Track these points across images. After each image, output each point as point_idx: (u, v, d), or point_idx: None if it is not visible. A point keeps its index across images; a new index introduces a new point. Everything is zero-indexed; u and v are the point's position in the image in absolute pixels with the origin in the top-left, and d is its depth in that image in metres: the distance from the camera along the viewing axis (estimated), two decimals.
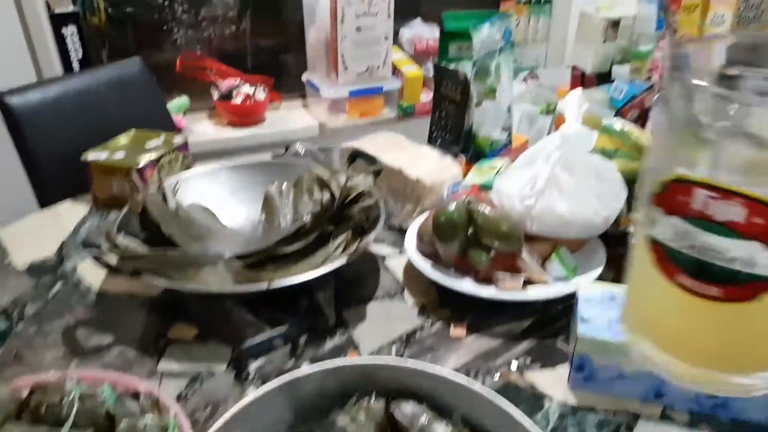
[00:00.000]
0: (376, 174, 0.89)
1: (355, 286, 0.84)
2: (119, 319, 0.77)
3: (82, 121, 1.26)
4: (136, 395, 0.57)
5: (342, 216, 0.83)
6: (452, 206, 0.78)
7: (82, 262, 0.89)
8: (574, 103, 1.06)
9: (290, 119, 1.92)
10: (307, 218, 0.81)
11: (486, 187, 0.91)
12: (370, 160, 0.93)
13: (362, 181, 0.85)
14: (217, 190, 0.97)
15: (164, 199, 0.86)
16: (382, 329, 0.75)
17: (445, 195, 0.92)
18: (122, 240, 0.73)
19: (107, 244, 0.71)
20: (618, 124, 0.94)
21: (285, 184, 0.96)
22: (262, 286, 0.69)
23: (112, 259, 0.70)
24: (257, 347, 0.68)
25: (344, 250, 0.78)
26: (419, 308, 0.79)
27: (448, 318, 0.77)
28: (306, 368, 0.56)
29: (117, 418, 0.53)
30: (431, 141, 1.12)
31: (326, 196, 0.82)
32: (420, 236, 0.84)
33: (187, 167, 1.13)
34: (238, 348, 0.68)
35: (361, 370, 0.57)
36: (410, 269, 0.87)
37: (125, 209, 0.82)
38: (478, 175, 0.98)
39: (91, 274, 0.86)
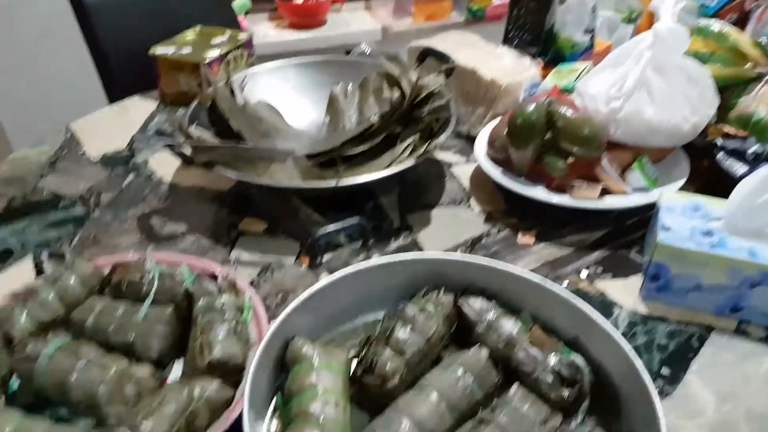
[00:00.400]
0: (448, 73, 0.85)
1: (421, 191, 0.83)
2: (191, 211, 0.79)
3: (149, 17, 1.25)
4: (213, 277, 0.59)
5: (410, 117, 0.80)
6: (531, 107, 0.74)
7: (154, 155, 0.91)
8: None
9: (352, 21, 1.85)
10: (374, 118, 0.78)
11: (566, 91, 0.85)
12: (442, 58, 0.88)
13: (433, 80, 0.81)
14: (282, 87, 0.95)
15: (232, 94, 0.86)
16: (446, 234, 0.75)
17: (521, 98, 0.88)
18: (195, 131, 0.73)
19: (180, 135, 0.72)
20: (715, 25, 0.85)
21: (351, 85, 0.94)
22: (330, 183, 0.68)
23: (186, 149, 0.71)
24: (327, 236, 0.69)
25: (411, 152, 0.76)
26: (486, 216, 0.78)
27: (515, 226, 0.75)
28: (375, 260, 0.56)
29: (195, 296, 0.56)
30: (507, 41, 1.06)
31: (396, 94, 0.80)
32: (491, 141, 0.81)
33: (251, 65, 1.12)
34: (309, 239, 0.69)
35: (431, 265, 0.57)
36: (477, 176, 0.84)
37: (194, 103, 0.82)
38: (557, 78, 0.92)
39: (162, 166, 0.88)
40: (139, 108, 1.05)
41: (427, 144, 0.75)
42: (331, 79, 0.95)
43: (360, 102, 0.92)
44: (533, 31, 1.00)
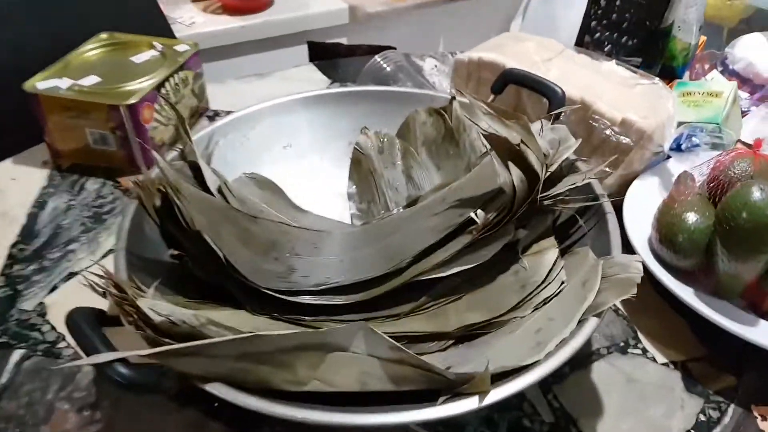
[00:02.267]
0: (556, 117, 0.51)
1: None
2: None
3: (20, 20, 0.79)
4: None
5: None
6: (759, 192, 0.42)
7: (53, 293, 0.51)
8: None
9: (309, 1, 1.42)
10: (477, 216, 0.42)
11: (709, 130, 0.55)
12: (543, 89, 0.53)
13: (560, 135, 0.47)
14: (268, 143, 0.57)
15: (195, 174, 0.47)
16: (631, 424, 0.42)
17: (665, 148, 0.55)
18: (149, 301, 0.34)
19: (125, 314, 0.32)
20: None
21: (384, 133, 0.57)
22: (468, 403, 0.32)
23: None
24: None
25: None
26: (682, 373, 0.46)
27: (727, 390, 0.44)
28: None
29: None
30: (584, 43, 0.72)
31: (513, 174, 0.43)
32: (663, 234, 0.48)
33: (200, 99, 0.71)
34: None
35: None
36: (642, 295, 0.50)
37: (130, 211, 0.42)
38: (692, 108, 0.60)
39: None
40: (16, 183, 0.62)
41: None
42: (350, 123, 0.58)
43: (406, 159, 0.56)
44: (640, 31, 0.67)
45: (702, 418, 0.42)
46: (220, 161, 0.52)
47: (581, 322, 0.35)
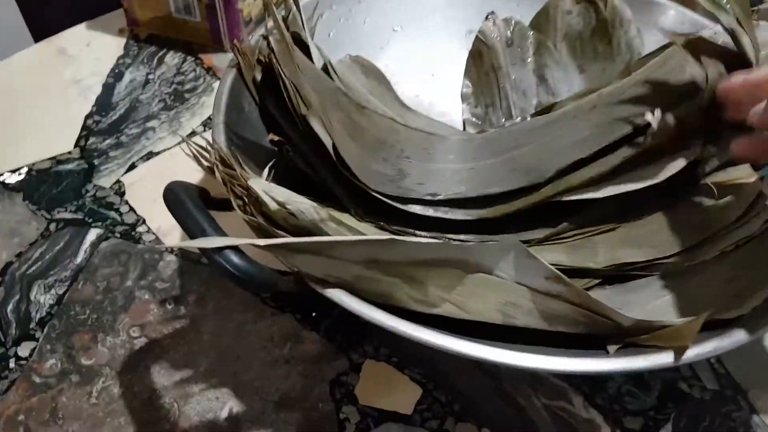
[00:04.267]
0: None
1: None
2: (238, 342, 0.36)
3: None
4: None
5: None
6: None
7: (135, 169, 0.46)
8: None
9: None
10: (654, 118, 0.33)
11: None
12: None
13: None
14: (375, 22, 0.48)
15: (299, 46, 0.39)
16: None
17: None
18: (262, 184, 0.27)
19: (240, 198, 0.26)
20: None
21: (514, 20, 0.48)
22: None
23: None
24: None
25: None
26: None
27: None
28: None
29: None
30: None
31: (708, 68, 0.33)
32: None
33: None
34: None
35: None
36: None
37: (228, 78, 0.36)
38: None
39: (158, 204, 0.43)
40: (91, 51, 0.56)
41: None
42: (475, 6, 0.49)
43: (540, 56, 0.46)
44: None
45: None
46: (322, 38, 0.45)
47: None
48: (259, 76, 0.37)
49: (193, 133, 0.48)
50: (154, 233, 0.41)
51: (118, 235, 0.41)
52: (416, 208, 0.35)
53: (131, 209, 0.43)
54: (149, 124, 0.49)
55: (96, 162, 0.46)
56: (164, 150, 0.47)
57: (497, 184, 0.36)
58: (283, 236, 0.25)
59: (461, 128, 0.47)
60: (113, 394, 0.33)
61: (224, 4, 0.53)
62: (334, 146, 0.33)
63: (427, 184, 0.36)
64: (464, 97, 0.48)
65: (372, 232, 0.34)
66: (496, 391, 0.35)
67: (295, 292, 0.24)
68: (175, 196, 0.24)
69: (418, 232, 0.35)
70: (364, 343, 0.35)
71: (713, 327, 0.26)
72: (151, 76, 0.54)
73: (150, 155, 0.47)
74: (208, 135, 0.34)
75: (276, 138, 0.36)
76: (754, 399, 0.34)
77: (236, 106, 0.35)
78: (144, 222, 0.42)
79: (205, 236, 0.23)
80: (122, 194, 0.44)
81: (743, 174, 0.33)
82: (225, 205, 0.26)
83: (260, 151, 0.35)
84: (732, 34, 0.32)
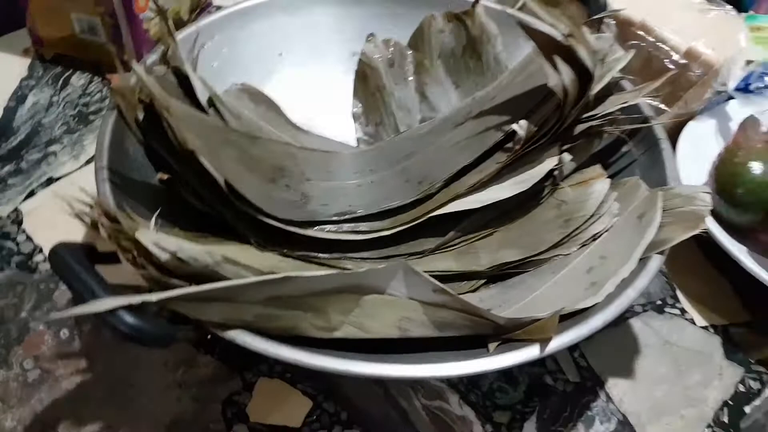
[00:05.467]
0: (598, 24, 0.45)
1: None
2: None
3: None
4: None
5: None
6: None
7: (30, 199, 0.44)
8: None
9: None
10: (520, 127, 0.36)
11: None
12: None
13: (608, 45, 0.41)
14: (260, 49, 0.49)
15: (181, 82, 0.39)
16: (666, 391, 0.39)
17: (729, 87, 0.49)
18: (150, 235, 0.27)
19: (123, 252, 0.26)
20: None
21: (393, 41, 0.50)
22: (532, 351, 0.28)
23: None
24: None
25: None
26: (722, 337, 0.43)
27: None
28: None
29: None
30: None
31: (562, 73, 0.36)
32: (720, 184, 0.44)
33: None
34: None
35: None
36: (688, 251, 0.47)
37: (109, 121, 0.35)
38: (758, 45, 0.54)
39: (54, 227, 0.42)
40: None
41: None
42: (356, 27, 0.51)
43: (419, 75, 0.49)
44: None
45: (741, 388, 0.39)
46: (206, 69, 0.45)
47: (642, 260, 0.32)
48: (141, 116, 0.37)
49: (92, 159, 0.47)
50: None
51: (14, 266, 0.40)
52: (317, 232, 0.37)
53: (28, 238, 0.42)
54: (51, 149, 0.48)
55: None
56: (65, 175, 0.47)
57: (396, 197, 0.38)
58: (178, 285, 0.25)
59: (356, 146, 0.49)
60: (4, 428, 0.32)
61: (129, 24, 0.52)
62: (227, 182, 0.34)
63: (331, 205, 0.38)
64: (355, 117, 0.50)
65: (275, 261, 0.35)
66: (382, 396, 0.37)
67: (195, 340, 0.25)
68: (60, 259, 0.24)
69: (320, 255, 0.37)
70: (258, 362, 0.37)
71: (574, 316, 0.30)
72: (55, 98, 0.53)
73: (50, 181, 0.46)
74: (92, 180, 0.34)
75: (165, 176, 0.36)
76: (610, 388, 0.38)
77: (120, 149, 0.35)
78: (41, 251, 0.41)
79: (94, 298, 0.23)
80: (19, 223, 0.43)
81: (595, 174, 0.38)
82: (114, 258, 0.26)
83: (150, 192, 0.36)
84: (569, 44, 0.36)
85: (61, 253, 0.24)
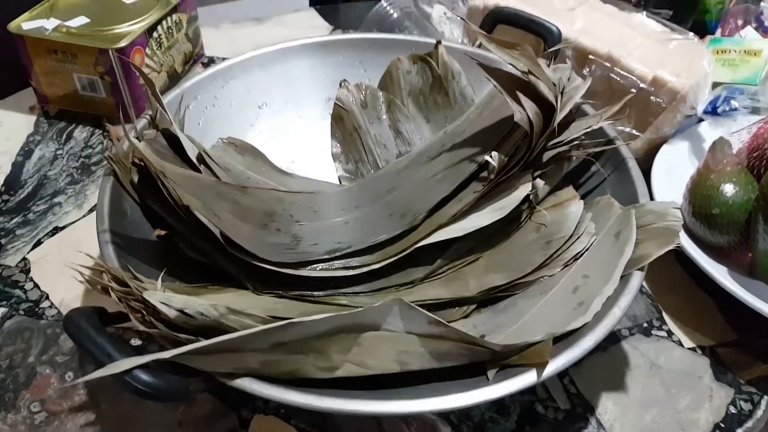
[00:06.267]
0: (554, 56, 0.48)
1: None
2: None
3: None
4: None
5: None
6: None
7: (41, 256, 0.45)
8: None
9: None
10: (492, 158, 0.38)
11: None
12: (536, 27, 0.50)
13: (567, 74, 0.44)
14: (240, 104, 0.51)
15: (170, 142, 0.41)
16: (654, 415, 0.39)
17: (698, 110, 0.51)
18: (158, 295, 0.29)
19: (138, 312, 0.28)
20: None
21: (364, 85, 0.53)
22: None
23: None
24: None
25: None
26: (710, 359, 0.43)
27: (761, 379, 0.42)
28: None
29: None
30: None
31: (526, 106, 0.38)
32: (696, 206, 0.45)
33: (194, 45, 0.65)
34: None
35: None
36: (670, 271, 0.48)
37: (107, 186, 0.37)
38: (723, 68, 0.56)
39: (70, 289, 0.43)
40: (2, 130, 0.58)
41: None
42: (329, 76, 0.53)
43: (392, 113, 0.52)
44: None
45: (732, 410, 0.39)
46: (192, 127, 0.47)
47: (623, 278, 0.34)
48: (136, 178, 0.38)
49: (94, 207, 0.49)
50: (56, 308, 0.42)
51: (22, 312, 0.42)
52: (310, 272, 0.38)
53: (35, 285, 0.44)
54: (56, 200, 0.51)
55: (3, 241, 0.47)
56: (70, 224, 0.49)
57: (382, 231, 0.40)
58: (186, 340, 0.27)
59: (338, 184, 0.51)
60: None
61: (126, 81, 0.56)
62: (222, 233, 0.36)
63: (320, 244, 0.40)
64: (335, 157, 0.52)
65: (271, 304, 0.37)
66: (375, 429, 0.38)
67: (207, 390, 0.26)
68: (74, 326, 0.25)
69: (315, 293, 0.38)
70: (254, 399, 0.38)
71: (564, 338, 0.31)
72: (59, 152, 0.56)
73: (56, 230, 0.48)
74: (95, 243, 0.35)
75: (162, 233, 0.38)
76: (601, 414, 0.38)
77: (119, 211, 0.37)
78: (47, 297, 0.43)
79: (111, 361, 0.24)
80: (27, 271, 0.45)
81: (569, 195, 0.40)
82: (125, 319, 0.28)
83: (150, 248, 0.37)
84: (528, 80, 0.38)
85: (74, 319, 0.26)
